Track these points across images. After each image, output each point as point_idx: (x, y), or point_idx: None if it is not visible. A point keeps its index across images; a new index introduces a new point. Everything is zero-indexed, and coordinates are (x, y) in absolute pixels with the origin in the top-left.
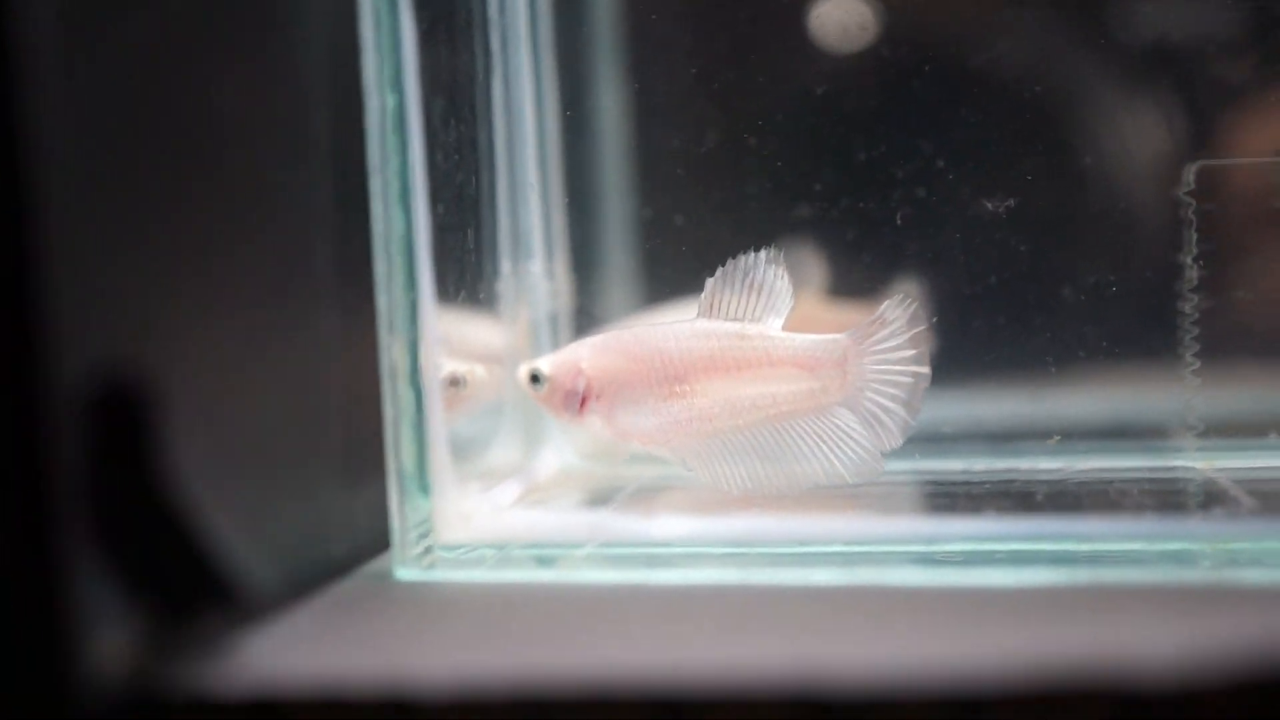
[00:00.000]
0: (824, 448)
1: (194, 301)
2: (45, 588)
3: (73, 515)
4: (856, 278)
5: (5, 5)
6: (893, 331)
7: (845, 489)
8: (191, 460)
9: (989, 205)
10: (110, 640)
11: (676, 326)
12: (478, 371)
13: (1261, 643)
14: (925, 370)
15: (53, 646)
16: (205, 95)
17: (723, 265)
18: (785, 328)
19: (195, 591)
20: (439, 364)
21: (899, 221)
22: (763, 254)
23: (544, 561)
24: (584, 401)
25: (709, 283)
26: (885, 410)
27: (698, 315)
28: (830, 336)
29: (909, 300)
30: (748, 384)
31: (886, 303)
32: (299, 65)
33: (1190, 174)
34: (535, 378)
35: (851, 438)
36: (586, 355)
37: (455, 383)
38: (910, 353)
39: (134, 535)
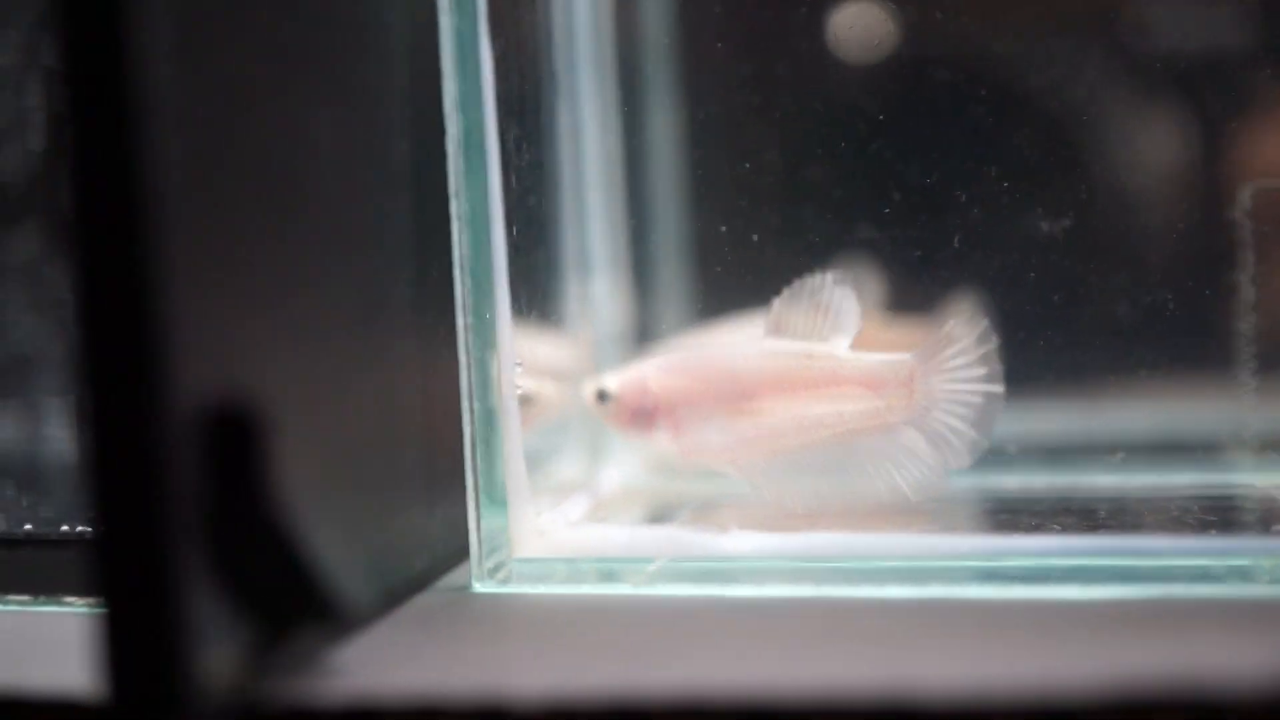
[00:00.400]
0: (889, 466)
1: (291, 328)
2: (162, 603)
3: (188, 534)
4: (915, 296)
5: (126, 43)
6: (960, 349)
7: (904, 504)
8: (292, 480)
9: (1044, 227)
10: (220, 654)
11: (744, 346)
12: (546, 389)
13: None
14: (997, 389)
15: (168, 659)
16: (300, 128)
17: (785, 284)
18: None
19: (296, 607)
20: (514, 383)
21: (956, 243)
22: (830, 275)
23: (616, 575)
24: (652, 419)
25: (775, 302)
26: (952, 430)
27: (764, 334)
28: (897, 356)
29: (977, 317)
30: (815, 403)
31: (953, 320)
32: (383, 94)
33: (1246, 196)
34: (602, 395)
35: (917, 456)
36: (654, 374)
37: (525, 400)
38: (980, 371)
39: (243, 554)
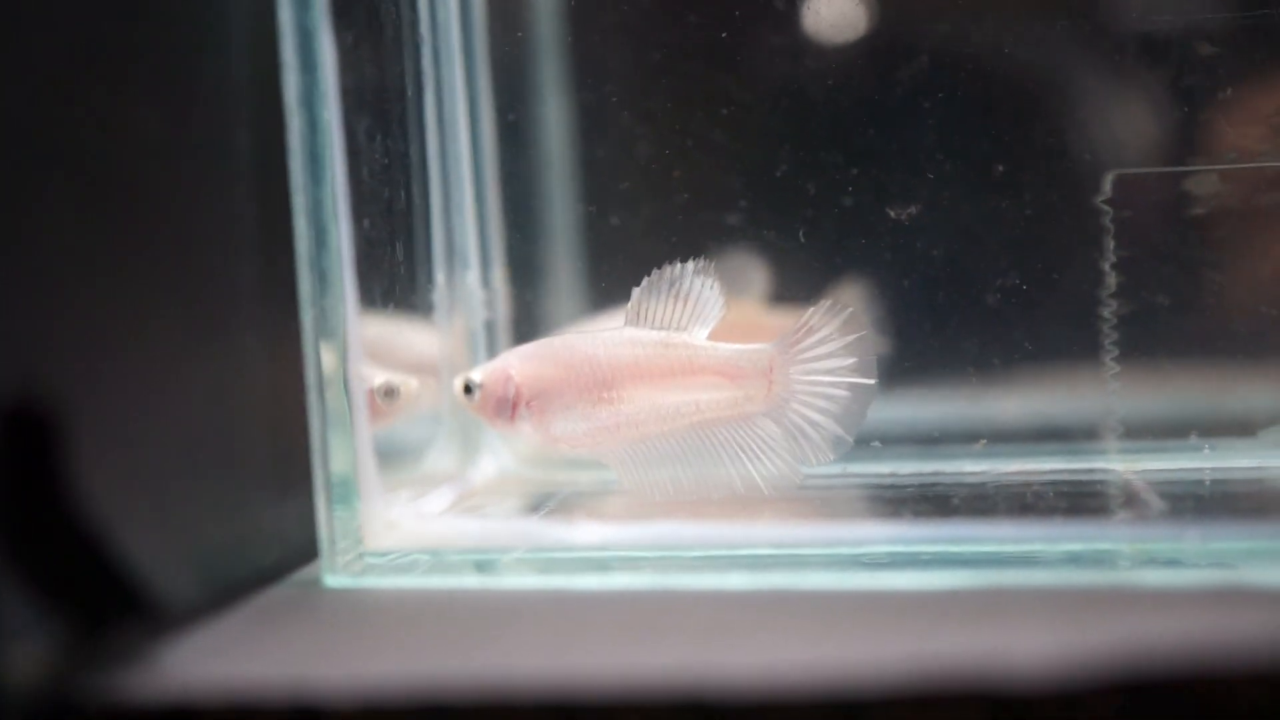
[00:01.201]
0: (743, 457)
1: (108, 321)
2: None
3: None
4: (800, 284)
5: None
6: (821, 339)
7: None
8: (105, 474)
9: (891, 214)
10: (25, 652)
11: (604, 334)
12: (411, 383)
13: (1141, 644)
14: (866, 382)
15: None
16: (118, 115)
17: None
18: (722, 335)
19: (109, 603)
20: (363, 374)
21: (832, 231)
22: (690, 264)
23: (474, 567)
24: (514, 408)
25: (635, 292)
26: (811, 424)
27: (625, 323)
28: (755, 346)
29: (839, 306)
30: (672, 391)
31: (812, 309)
32: (221, 86)
33: (1108, 183)
34: (468, 388)
35: (772, 449)
36: (516, 363)
37: (389, 393)
38: (843, 362)
39: (46, 549)
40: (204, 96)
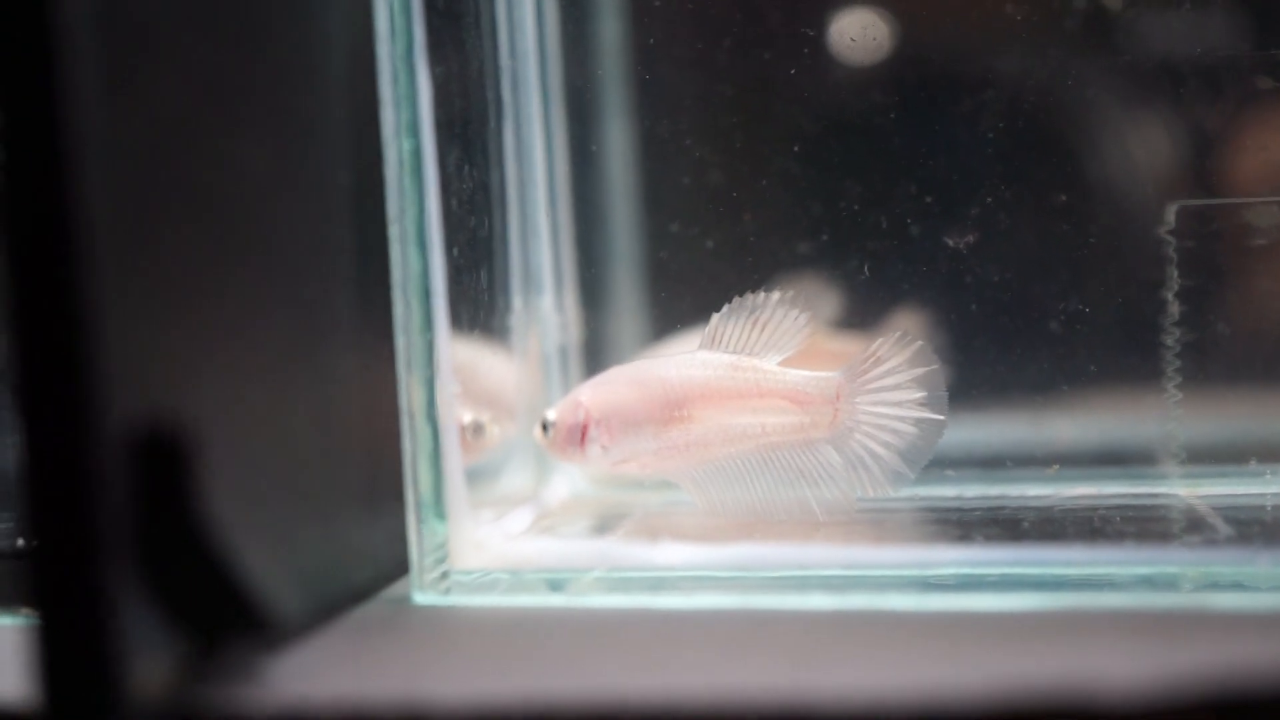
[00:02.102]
0: (802, 482)
1: (223, 346)
2: (94, 617)
3: (119, 550)
4: (866, 311)
5: (55, 75)
6: (889, 370)
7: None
8: (225, 498)
9: (950, 242)
10: (152, 666)
11: (677, 356)
12: (497, 426)
13: (1228, 667)
14: (936, 417)
15: (100, 672)
16: (231, 151)
17: (728, 300)
18: (786, 360)
19: (228, 620)
20: (454, 398)
21: (900, 259)
22: (773, 293)
23: (553, 586)
24: (584, 431)
25: (714, 317)
26: (872, 455)
27: (699, 347)
28: (823, 374)
29: (909, 338)
30: (739, 413)
31: (880, 339)
32: (320, 119)
33: (1171, 213)
34: (545, 426)
35: (830, 477)
36: (586, 390)
37: (477, 430)
38: (911, 395)
39: (172, 568)
40: (306, 132)
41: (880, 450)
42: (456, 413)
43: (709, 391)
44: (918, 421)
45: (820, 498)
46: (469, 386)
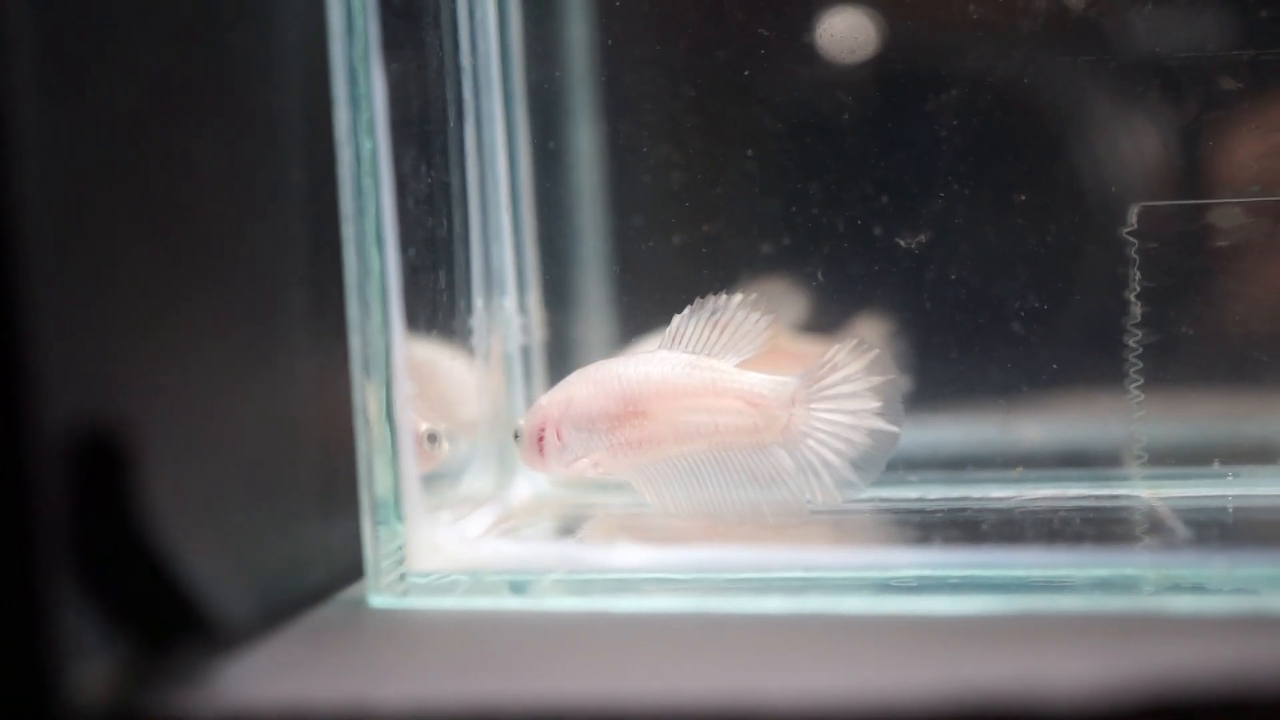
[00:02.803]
0: (753, 484)
1: (171, 348)
2: (30, 620)
3: (55, 551)
4: (828, 313)
5: None
6: (845, 377)
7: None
8: (169, 498)
9: (901, 243)
10: (91, 669)
11: (637, 354)
12: (447, 444)
13: (1175, 669)
14: (890, 428)
15: (37, 675)
16: (180, 151)
17: (692, 301)
18: (749, 361)
19: (172, 622)
20: (410, 399)
21: (863, 261)
22: (737, 296)
23: (514, 588)
24: (542, 434)
25: (675, 318)
26: (823, 462)
27: (659, 346)
28: (780, 378)
29: (865, 345)
30: (694, 412)
31: (837, 346)
32: (273, 118)
33: (1133, 214)
34: (516, 435)
35: (781, 480)
36: (548, 394)
37: (432, 439)
38: (867, 404)
39: (113, 570)
40: (258, 130)
41: (832, 458)
42: (413, 416)
43: (664, 389)
44: (871, 431)
45: (770, 501)
46: (426, 388)
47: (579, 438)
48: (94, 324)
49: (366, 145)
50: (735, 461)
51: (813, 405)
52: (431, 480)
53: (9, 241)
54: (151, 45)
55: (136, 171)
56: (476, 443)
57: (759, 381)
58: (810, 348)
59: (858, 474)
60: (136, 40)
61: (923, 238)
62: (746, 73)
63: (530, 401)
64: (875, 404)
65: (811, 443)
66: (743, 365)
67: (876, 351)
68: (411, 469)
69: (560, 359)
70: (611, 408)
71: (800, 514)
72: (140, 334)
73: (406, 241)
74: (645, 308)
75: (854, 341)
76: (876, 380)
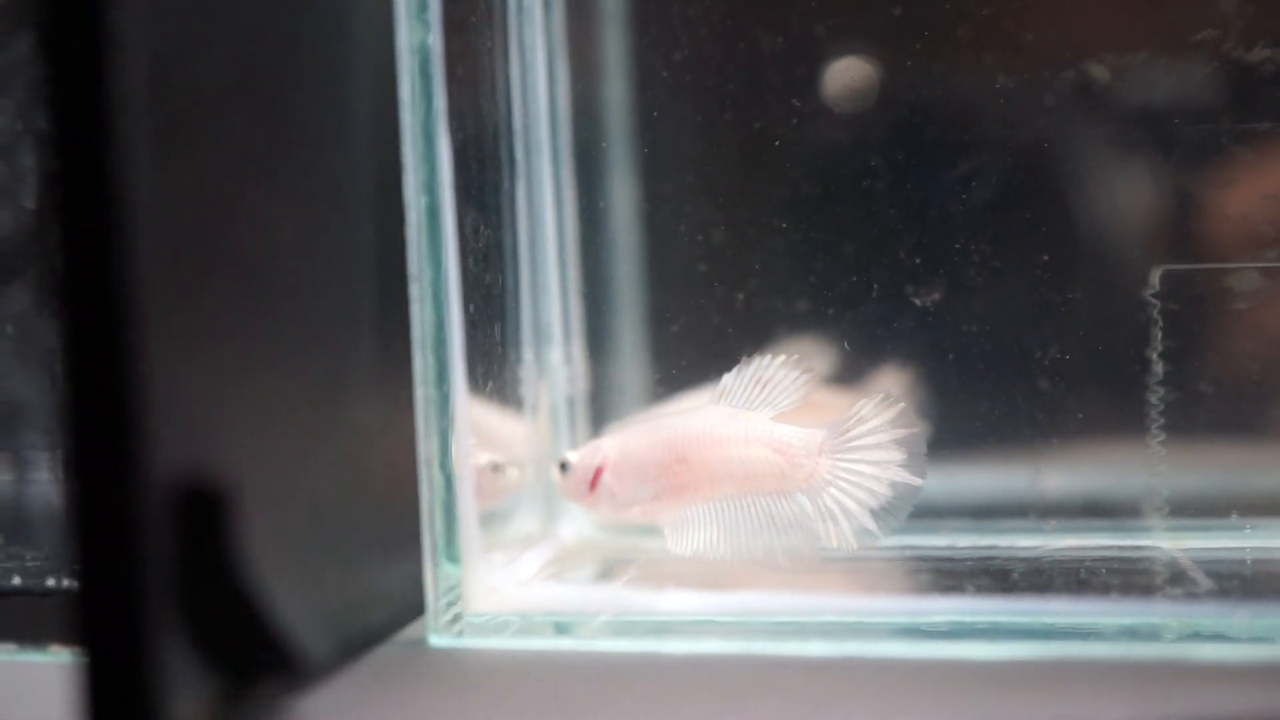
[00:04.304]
0: (773, 529)
1: (258, 402)
2: (137, 657)
3: (161, 593)
4: (858, 367)
5: (109, 142)
6: (871, 430)
7: (842, 564)
8: (257, 543)
9: (916, 301)
10: (189, 704)
11: (689, 409)
12: (515, 470)
13: (1204, 715)
14: (914, 480)
15: (142, 710)
16: (264, 214)
17: (738, 352)
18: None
19: (260, 660)
20: (470, 447)
21: (888, 314)
22: (780, 356)
23: (560, 629)
24: (597, 475)
25: (725, 376)
26: (843, 510)
27: (709, 402)
28: (808, 430)
29: (893, 399)
30: (727, 461)
31: (864, 400)
32: (346, 183)
33: (1155, 277)
34: (564, 466)
35: (799, 526)
36: (608, 438)
37: (496, 468)
38: (891, 456)
39: (209, 611)
40: (332, 194)
41: (852, 506)
42: (475, 457)
43: (704, 439)
44: (894, 483)
45: (785, 546)
46: (486, 439)
47: (631, 484)
48: (191, 379)
49: (430, 206)
50: (759, 507)
51: (838, 456)
52: (485, 522)
53: (124, 298)
54: (239, 114)
55: (229, 237)
56: (525, 488)
57: (788, 432)
58: (838, 399)
59: (877, 523)
60: (227, 110)
61: (936, 295)
62: (778, 141)
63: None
64: (899, 456)
65: (834, 491)
66: (778, 418)
67: (902, 405)
68: (470, 513)
69: (602, 407)
70: (661, 456)
71: (813, 560)
72: (230, 389)
73: (467, 298)
74: (682, 358)
75: (881, 396)
76: (901, 433)
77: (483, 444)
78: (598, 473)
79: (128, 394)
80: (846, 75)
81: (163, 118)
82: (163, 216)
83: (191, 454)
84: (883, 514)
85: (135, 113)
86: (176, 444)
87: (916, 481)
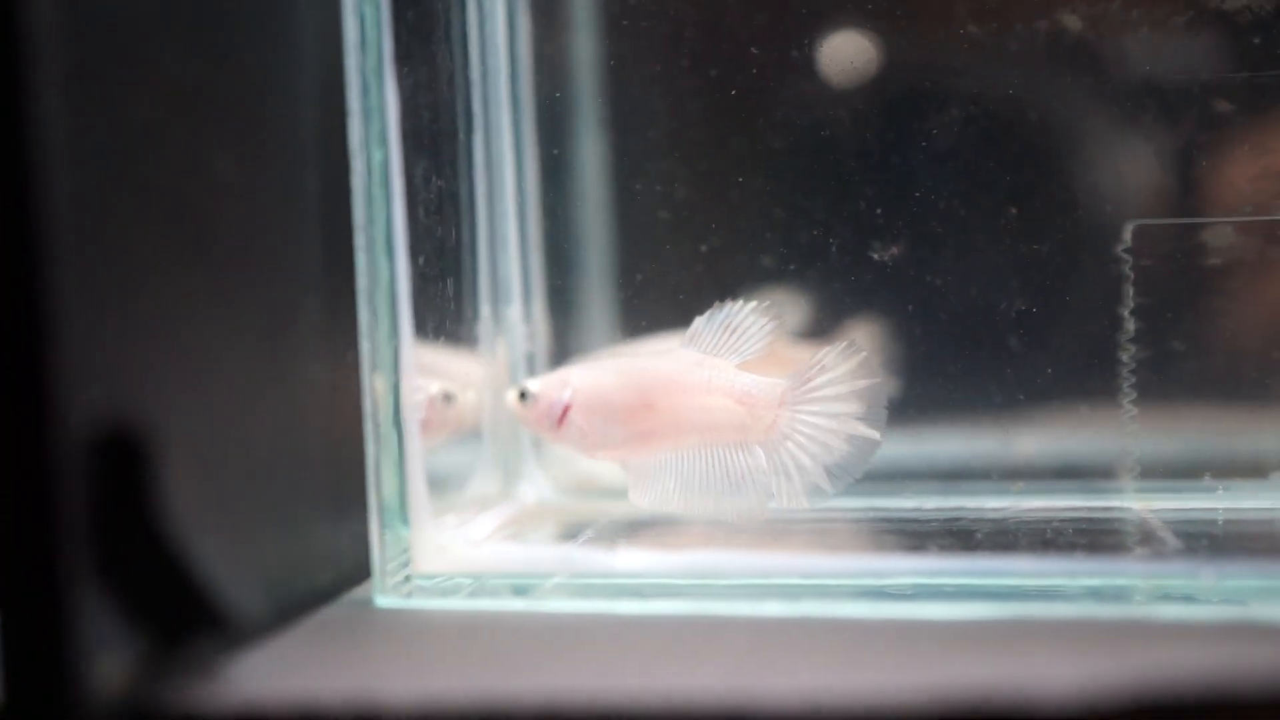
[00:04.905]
0: (727, 486)
1: (187, 351)
2: (52, 616)
3: (77, 549)
4: (827, 322)
5: (17, 81)
6: (832, 380)
7: (802, 524)
8: (186, 498)
9: (874, 256)
10: (110, 664)
11: (656, 349)
12: (469, 394)
13: (1160, 674)
14: (871, 434)
15: (59, 670)
16: (199, 160)
17: (702, 311)
18: (748, 365)
19: (187, 618)
20: (421, 384)
21: (857, 272)
22: (749, 302)
23: (515, 591)
24: (565, 412)
25: (696, 319)
26: (798, 466)
27: (680, 345)
28: (770, 380)
29: (855, 348)
30: (690, 410)
31: (827, 348)
32: (289, 129)
33: (1128, 233)
34: (524, 395)
35: (752, 480)
36: (575, 372)
37: (447, 398)
38: (850, 408)
39: (132, 567)
40: (274, 140)
41: (806, 461)
42: (424, 391)
43: (670, 385)
44: (851, 437)
45: (737, 504)
46: (435, 373)
47: (601, 427)
48: (114, 326)
49: (378, 155)
50: (714, 460)
51: (799, 407)
52: (438, 483)
53: (36, 243)
54: (172, 57)
55: (158, 179)
56: (482, 448)
57: (749, 382)
58: (804, 354)
59: (830, 480)
60: (158, 52)
61: (894, 249)
62: (752, 87)
63: None
64: (857, 408)
65: (790, 445)
66: (742, 367)
67: (864, 354)
68: (419, 473)
69: (563, 364)
70: (630, 400)
71: (760, 517)
72: (158, 336)
73: (416, 250)
74: (647, 316)
75: (843, 344)
76: (861, 384)
77: (433, 376)
78: (566, 409)
79: (39, 345)
80: (843, 52)
81: (78, 52)
82: (81, 158)
83: (113, 403)
84: (838, 470)
85: (48, 46)
86: (97, 396)
87: (874, 435)
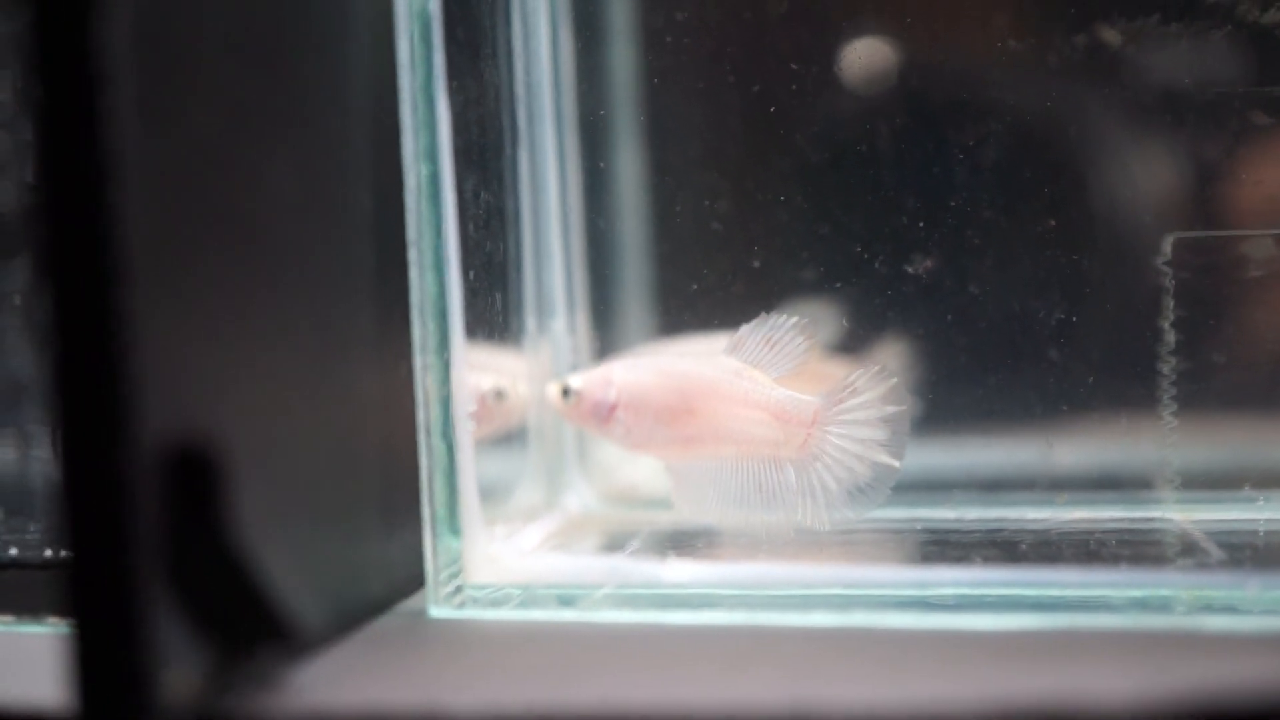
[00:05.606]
0: (759, 499)
1: (252, 365)
2: (128, 627)
3: (150, 562)
4: (865, 336)
5: (96, 100)
6: (862, 403)
7: (845, 535)
8: (250, 510)
9: (910, 270)
10: (181, 675)
11: (700, 352)
12: (519, 387)
13: (1215, 685)
14: (891, 463)
15: (133, 680)
16: (262, 178)
17: (736, 320)
18: (784, 380)
19: (253, 630)
20: (469, 416)
21: (900, 285)
22: (788, 316)
23: (564, 601)
24: (612, 412)
25: (742, 328)
26: (823, 488)
27: (724, 350)
28: (804, 397)
29: (885, 371)
30: (729, 420)
31: (859, 370)
32: (343, 145)
33: (1167, 245)
34: (567, 391)
35: (781, 498)
36: (619, 370)
37: (499, 395)
38: (876, 434)
39: (202, 580)
40: (330, 157)
41: (831, 483)
42: (478, 384)
43: (712, 391)
44: (873, 464)
45: (766, 521)
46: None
47: (646, 427)
48: (182, 341)
49: (429, 170)
50: (749, 473)
51: (829, 428)
52: (488, 493)
53: (112, 262)
54: (233, 73)
55: (221, 194)
56: (529, 459)
57: (785, 398)
58: (835, 369)
59: (853, 503)
60: (221, 68)
61: (929, 263)
62: (792, 102)
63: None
64: (883, 435)
65: (819, 466)
66: (779, 381)
67: (894, 380)
68: (471, 484)
69: None
70: (672, 403)
71: (786, 535)
72: (222, 351)
73: (466, 264)
74: (688, 328)
75: (875, 368)
76: (889, 410)
77: (484, 372)
78: (612, 409)
79: (116, 361)
80: (864, 58)
81: (151, 76)
82: (152, 177)
83: (184, 422)
84: (860, 494)
85: (122, 71)
86: (169, 411)
87: (894, 464)
